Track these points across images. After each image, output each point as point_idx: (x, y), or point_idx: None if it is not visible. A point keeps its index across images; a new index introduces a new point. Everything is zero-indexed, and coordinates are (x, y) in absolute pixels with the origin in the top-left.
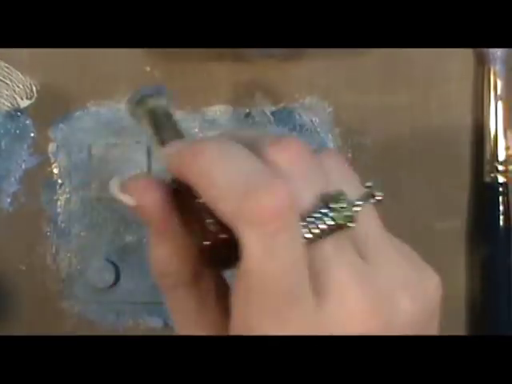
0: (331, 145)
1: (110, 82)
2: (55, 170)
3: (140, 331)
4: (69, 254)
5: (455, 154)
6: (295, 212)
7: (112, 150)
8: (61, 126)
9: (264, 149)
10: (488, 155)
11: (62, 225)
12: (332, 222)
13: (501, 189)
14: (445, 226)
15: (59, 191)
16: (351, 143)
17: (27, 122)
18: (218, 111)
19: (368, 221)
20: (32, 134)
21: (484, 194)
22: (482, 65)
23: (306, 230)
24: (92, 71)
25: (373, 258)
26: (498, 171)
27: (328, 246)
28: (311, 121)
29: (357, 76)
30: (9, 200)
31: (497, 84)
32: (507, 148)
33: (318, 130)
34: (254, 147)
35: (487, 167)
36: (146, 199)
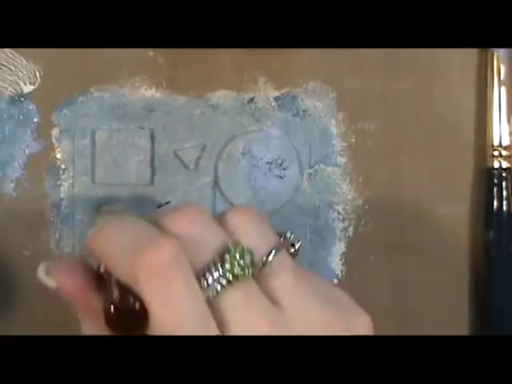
0: (334, 130)
1: (113, 68)
2: (59, 156)
3: None
4: (72, 240)
5: (458, 139)
6: (184, 264)
7: (116, 135)
8: (64, 111)
9: (163, 219)
10: (491, 140)
11: (66, 210)
12: (229, 274)
13: (505, 174)
14: (448, 212)
15: (63, 176)
16: (355, 129)
17: (31, 107)
18: (222, 97)
19: (281, 269)
20: (35, 120)
21: (488, 179)
22: (485, 50)
23: (206, 284)
24: (95, 56)
25: (286, 304)
26: (501, 156)
27: (234, 295)
28: (315, 106)
29: (360, 61)
30: (12, 185)
31: (500, 69)
32: (511, 133)
33: (322, 115)
34: (156, 220)
35: (491, 152)
36: (64, 282)
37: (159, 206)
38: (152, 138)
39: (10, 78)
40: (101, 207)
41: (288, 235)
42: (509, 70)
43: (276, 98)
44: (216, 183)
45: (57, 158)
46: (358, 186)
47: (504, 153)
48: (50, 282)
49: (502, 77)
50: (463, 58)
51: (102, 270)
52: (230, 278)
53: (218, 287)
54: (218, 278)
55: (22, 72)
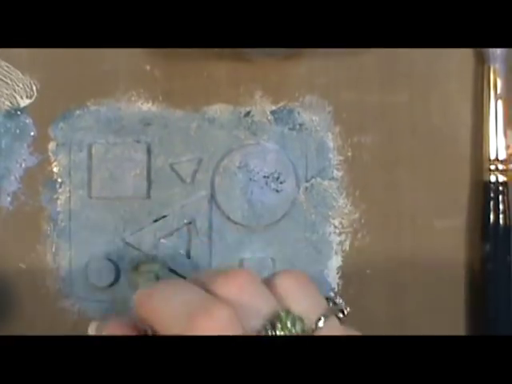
0: (331, 144)
1: (110, 81)
2: (55, 169)
3: None
4: (69, 253)
5: (455, 153)
6: (238, 331)
7: (112, 149)
8: (61, 124)
9: (214, 283)
10: (488, 154)
11: (62, 224)
12: None
13: (501, 188)
14: (444, 225)
15: (59, 190)
16: (351, 142)
17: (27, 121)
18: (218, 110)
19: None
20: (32, 133)
21: (484, 193)
22: (481, 63)
23: None
24: (92, 70)
25: None
26: (498, 170)
27: None
28: (311, 120)
29: (357, 75)
30: (9, 199)
31: (497, 83)
32: (507, 147)
33: (318, 128)
34: (206, 284)
35: (487, 166)
36: None
37: (155, 220)
38: (148, 151)
39: (6, 91)
40: (139, 266)
41: (337, 300)
42: (505, 84)
43: (272, 112)
44: (212, 197)
45: (53, 172)
46: (354, 199)
47: (500, 167)
48: None
49: (499, 90)
50: (460, 71)
51: (150, 332)
52: None
53: None
54: None
55: (18, 86)
